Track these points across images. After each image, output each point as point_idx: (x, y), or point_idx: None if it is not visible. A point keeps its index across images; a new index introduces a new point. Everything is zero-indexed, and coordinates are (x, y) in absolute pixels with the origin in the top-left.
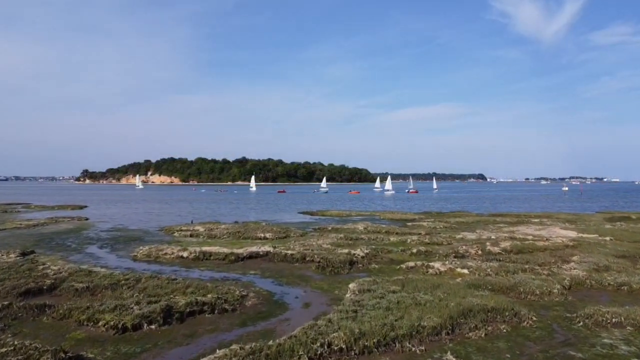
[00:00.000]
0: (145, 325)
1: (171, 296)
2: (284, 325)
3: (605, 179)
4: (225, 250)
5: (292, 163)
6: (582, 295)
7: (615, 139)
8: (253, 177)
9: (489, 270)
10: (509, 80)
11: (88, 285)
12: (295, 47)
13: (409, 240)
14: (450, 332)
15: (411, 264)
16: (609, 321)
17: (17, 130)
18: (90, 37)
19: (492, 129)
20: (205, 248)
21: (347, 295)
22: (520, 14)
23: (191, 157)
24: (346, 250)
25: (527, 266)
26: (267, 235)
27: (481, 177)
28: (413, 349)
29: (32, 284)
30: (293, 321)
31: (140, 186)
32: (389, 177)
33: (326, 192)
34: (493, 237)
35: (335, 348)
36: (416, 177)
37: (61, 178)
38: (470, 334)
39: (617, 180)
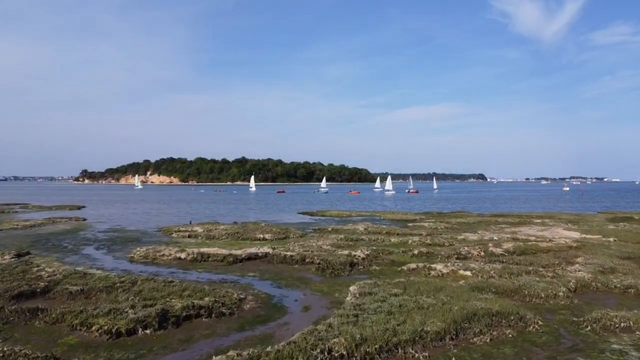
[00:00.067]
0: (140, 330)
1: (167, 299)
2: (283, 329)
3: (605, 179)
4: (224, 251)
5: (292, 163)
6: (589, 298)
7: (616, 139)
8: (252, 177)
9: (492, 272)
10: (509, 80)
11: (82, 288)
12: (295, 46)
13: (410, 242)
14: (454, 337)
15: (413, 265)
16: (617, 326)
17: (16, 130)
18: (89, 37)
19: (492, 129)
20: (204, 249)
21: (348, 299)
22: (521, 14)
23: (190, 157)
24: (346, 252)
25: (530, 268)
26: (266, 236)
27: (481, 177)
28: (416, 355)
29: (25, 287)
30: (292, 326)
31: (139, 186)
32: (389, 177)
33: (326, 192)
34: (495, 238)
35: (336, 355)
36: (416, 177)
37: (60, 178)
38: (475, 339)
39: (618, 180)
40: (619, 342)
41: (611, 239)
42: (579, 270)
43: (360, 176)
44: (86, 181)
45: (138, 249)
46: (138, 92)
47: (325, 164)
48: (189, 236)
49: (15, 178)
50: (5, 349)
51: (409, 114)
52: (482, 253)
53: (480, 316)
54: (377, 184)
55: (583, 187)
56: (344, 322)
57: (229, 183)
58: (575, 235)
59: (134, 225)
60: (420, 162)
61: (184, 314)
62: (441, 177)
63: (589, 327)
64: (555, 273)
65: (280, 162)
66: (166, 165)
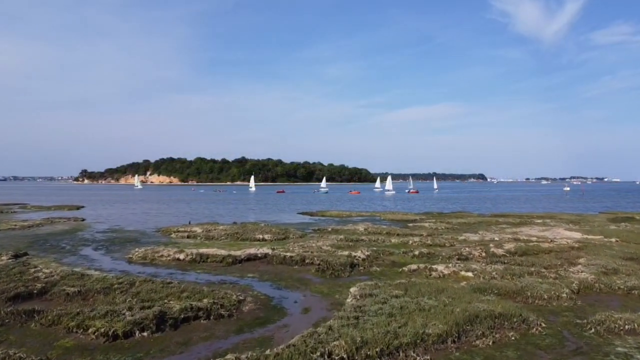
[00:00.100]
0: (137, 332)
1: (165, 301)
2: (282, 332)
3: (606, 179)
4: (223, 252)
5: (292, 163)
6: (592, 300)
7: (616, 138)
8: (252, 177)
9: (494, 273)
10: (509, 80)
11: (80, 289)
12: (295, 46)
13: (410, 242)
14: (456, 339)
15: (413, 266)
16: (621, 328)
17: (15, 130)
18: (89, 37)
19: (492, 129)
20: (203, 250)
21: (348, 300)
22: (521, 14)
23: (190, 157)
24: (346, 252)
25: (533, 269)
26: (266, 236)
27: (481, 177)
28: (418, 358)
29: (22, 288)
30: (292, 328)
31: (139, 186)
32: (389, 177)
33: (326, 192)
34: (496, 238)
35: (336, 358)
36: (416, 177)
37: (60, 178)
38: (478, 341)
39: (618, 180)
40: (624, 344)
41: (613, 240)
42: (581, 272)
43: (360, 176)
44: (86, 181)
45: (136, 249)
46: (138, 92)
47: (325, 164)
48: (188, 237)
49: (15, 178)
50: None
51: (409, 113)
52: (484, 254)
53: (482, 318)
54: (377, 184)
55: (584, 187)
56: (344, 325)
57: (228, 183)
58: (577, 235)
59: (132, 226)
60: (420, 162)
61: (182, 316)
62: (441, 177)
63: (592, 330)
64: (557, 274)
65: (280, 162)
66: (166, 165)
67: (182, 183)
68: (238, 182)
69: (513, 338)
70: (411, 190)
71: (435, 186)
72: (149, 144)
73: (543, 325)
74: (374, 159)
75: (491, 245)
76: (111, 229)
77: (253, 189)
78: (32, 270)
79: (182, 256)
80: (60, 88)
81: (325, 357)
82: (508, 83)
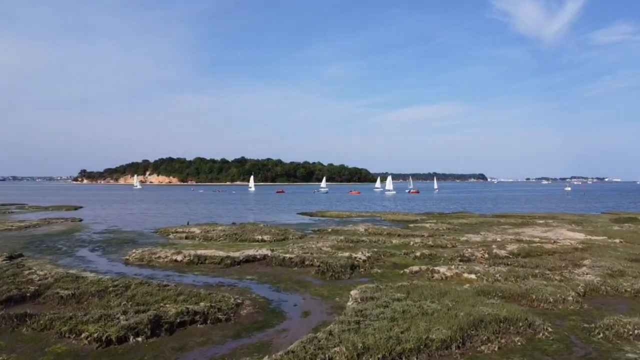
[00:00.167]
0: (132, 337)
1: (161, 304)
2: (281, 336)
3: (606, 179)
4: (221, 253)
5: (292, 163)
6: (599, 303)
7: (616, 138)
8: (252, 177)
9: (497, 275)
10: (509, 79)
11: (74, 292)
12: (294, 46)
13: (411, 243)
14: (460, 345)
15: (415, 268)
16: (631, 333)
17: (15, 130)
18: (89, 37)
19: (492, 129)
20: (201, 251)
21: (349, 304)
22: (521, 13)
23: (190, 157)
24: (347, 254)
25: (537, 271)
26: (265, 237)
27: (482, 177)
28: None
29: (15, 291)
30: (291, 332)
31: (138, 186)
32: (389, 177)
33: (326, 192)
34: (499, 239)
35: None
36: (416, 177)
37: (59, 178)
38: (483, 347)
39: (619, 180)
40: (634, 350)
41: (617, 241)
42: (587, 274)
43: (360, 176)
44: (85, 181)
45: (134, 250)
46: (138, 92)
47: (325, 163)
48: (186, 237)
49: (14, 178)
50: None
51: (409, 113)
52: (486, 255)
53: (487, 322)
54: (378, 184)
55: (585, 187)
56: (345, 330)
57: (228, 183)
58: (580, 236)
59: (130, 226)
60: (420, 162)
61: (178, 320)
62: (441, 177)
63: (601, 335)
64: (562, 276)
65: (279, 162)
66: (165, 165)
67: (182, 183)
68: (237, 182)
69: (519, 343)
70: (411, 191)
71: (436, 186)
72: (148, 144)
73: (550, 330)
74: (374, 159)
75: (494, 246)
76: (109, 230)
77: (252, 189)
78: (26, 272)
79: (179, 257)
80: (60, 88)
81: None
82: (508, 83)
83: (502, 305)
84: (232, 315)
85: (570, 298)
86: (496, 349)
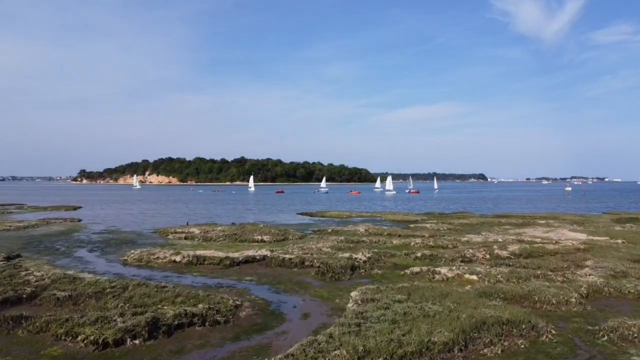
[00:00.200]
0: (129, 340)
1: (159, 306)
2: (280, 339)
3: (606, 179)
4: (220, 254)
5: (291, 163)
6: (602, 305)
7: (617, 138)
8: (252, 177)
9: (499, 276)
10: (509, 79)
11: (71, 293)
12: (294, 46)
13: (412, 243)
14: (463, 348)
15: (416, 269)
16: (636, 335)
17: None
18: (89, 37)
19: (492, 129)
20: (200, 252)
21: (349, 305)
22: (521, 13)
23: (189, 157)
24: (347, 254)
25: (539, 272)
26: (265, 237)
27: (482, 177)
28: None
29: (11, 293)
30: (290, 335)
31: (138, 186)
32: (389, 177)
33: (326, 192)
34: (500, 239)
35: None
36: (416, 177)
37: (58, 178)
38: (485, 350)
39: (619, 180)
40: (639, 353)
41: (619, 241)
42: (589, 275)
43: (360, 176)
44: (84, 181)
45: (132, 251)
46: (138, 92)
47: (325, 163)
48: (186, 238)
49: (14, 178)
50: None
51: (409, 113)
52: (488, 256)
53: (490, 325)
54: (378, 183)
55: (585, 188)
56: (345, 332)
57: (228, 183)
58: (582, 237)
59: (129, 227)
60: (420, 162)
61: (176, 322)
62: (441, 177)
63: (605, 337)
64: (565, 277)
65: (279, 162)
66: (165, 165)
67: (181, 183)
68: (237, 182)
69: (522, 346)
70: (412, 191)
71: (436, 186)
72: (148, 144)
73: (553, 332)
74: (374, 159)
75: (495, 246)
76: (107, 230)
77: (252, 189)
78: (23, 273)
79: (178, 258)
80: (60, 88)
81: None
82: (508, 83)
83: (505, 307)
84: (230, 317)
85: (573, 300)
86: (499, 351)
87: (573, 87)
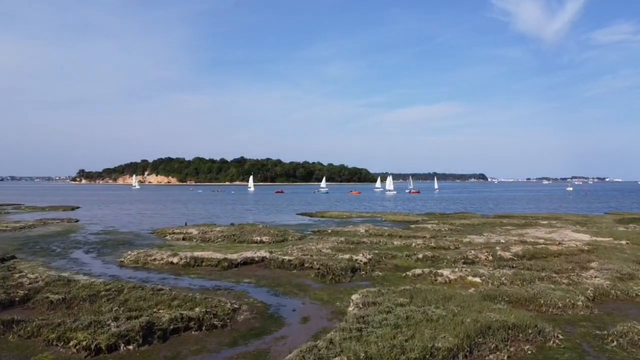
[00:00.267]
0: (123, 345)
1: (154, 310)
2: (279, 344)
3: (607, 179)
4: (219, 255)
5: (291, 163)
6: (609, 308)
7: (617, 138)
8: (251, 177)
9: (503, 278)
10: (510, 79)
11: (65, 296)
12: (294, 45)
13: (413, 244)
14: (468, 354)
15: (418, 271)
16: None
17: (14, 130)
18: (88, 36)
19: (493, 129)
20: (197, 253)
21: (350, 309)
22: (522, 12)
23: (189, 157)
24: (347, 256)
25: (543, 274)
26: (264, 238)
27: (482, 177)
28: None
29: (3, 296)
30: (289, 339)
31: (137, 186)
32: (389, 177)
33: (326, 192)
34: (502, 240)
35: None
36: (416, 177)
37: (57, 178)
38: (491, 356)
39: (620, 180)
40: None
41: (623, 242)
42: (595, 277)
43: (360, 176)
44: (83, 181)
45: (129, 252)
46: (137, 92)
47: (325, 163)
48: (184, 239)
49: (13, 178)
50: None
51: (409, 113)
52: (490, 257)
53: (495, 330)
54: (378, 184)
55: (586, 188)
56: (346, 338)
57: (227, 183)
58: (586, 237)
59: (127, 227)
60: (421, 162)
61: (172, 326)
62: (442, 177)
63: (615, 342)
64: (570, 279)
65: (279, 161)
66: (164, 165)
67: (181, 183)
68: (237, 182)
69: (529, 352)
70: (412, 191)
71: (436, 186)
72: (147, 144)
73: (560, 337)
74: (374, 159)
75: (497, 248)
76: (105, 231)
77: (252, 189)
78: (17, 275)
79: (175, 260)
80: (60, 88)
81: None
82: (509, 82)
83: (510, 310)
84: (228, 321)
85: (579, 303)
86: (505, 358)
87: (573, 86)
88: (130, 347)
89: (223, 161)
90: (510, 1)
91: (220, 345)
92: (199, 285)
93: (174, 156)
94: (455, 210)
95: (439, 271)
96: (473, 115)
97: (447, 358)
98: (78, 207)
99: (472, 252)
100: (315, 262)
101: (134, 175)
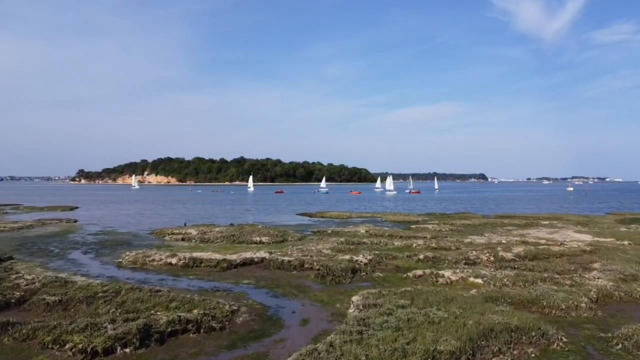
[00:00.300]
0: (119, 348)
1: (152, 312)
2: (278, 347)
3: (607, 179)
4: (218, 256)
5: (291, 163)
6: (613, 310)
7: (617, 138)
8: (251, 177)
9: (505, 280)
10: (510, 79)
11: (61, 298)
12: (294, 45)
13: (414, 245)
14: (470, 357)
15: (419, 272)
16: None
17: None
18: (88, 36)
19: (493, 129)
20: (196, 254)
21: (351, 311)
22: (522, 12)
23: (188, 157)
24: (347, 256)
25: (545, 275)
26: (263, 239)
27: (482, 177)
28: None
29: None
30: (289, 342)
31: (136, 186)
32: (389, 177)
33: (326, 193)
34: (503, 241)
35: None
36: (416, 177)
37: (57, 178)
38: (494, 359)
39: (620, 180)
40: None
41: (625, 243)
42: (598, 278)
43: (360, 176)
44: (83, 181)
45: (127, 253)
46: (137, 91)
47: (325, 163)
48: (183, 239)
49: (12, 178)
50: None
51: (409, 113)
52: (492, 258)
53: (498, 332)
54: (378, 183)
55: (587, 188)
56: (346, 341)
57: (227, 183)
58: (588, 238)
59: (125, 227)
60: (421, 162)
61: (169, 329)
62: (442, 177)
63: (619, 345)
64: (572, 281)
65: (279, 161)
66: (163, 165)
67: (180, 183)
68: (236, 182)
69: (533, 355)
70: (412, 191)
71: (436, 186)
72: (147, 143)
73: (564, 339)
74: (374, 159)
75: (499, 248)
76: (103, 231)
77: (251, 189)
78: (14, 276)
79: (174, 260)
80: (59, 88)
81: None
82: (509, 82)
83: (513, 312)
84: (227, 323)
85: (583, 304)
86: None
87: (573, 86)
88: (127, 350)
89: (223, 161)
90: (510, 1)
91: (218, 348)
92: (198, 287)
93: (173, 156)
94: (455, 210)
95: (440, 272)
96: (473, 115)
97: None
98: (77, 208)
99: (474, 252)
100: (315, 263)
101: (134, 175)
